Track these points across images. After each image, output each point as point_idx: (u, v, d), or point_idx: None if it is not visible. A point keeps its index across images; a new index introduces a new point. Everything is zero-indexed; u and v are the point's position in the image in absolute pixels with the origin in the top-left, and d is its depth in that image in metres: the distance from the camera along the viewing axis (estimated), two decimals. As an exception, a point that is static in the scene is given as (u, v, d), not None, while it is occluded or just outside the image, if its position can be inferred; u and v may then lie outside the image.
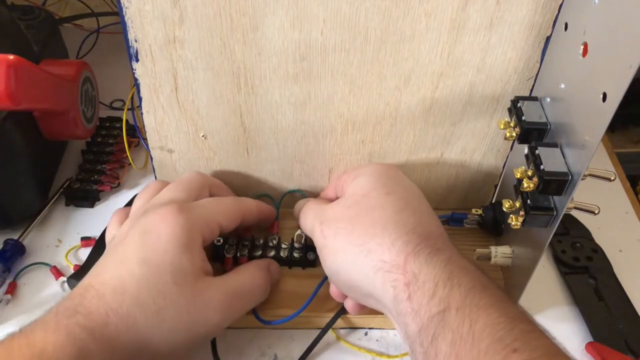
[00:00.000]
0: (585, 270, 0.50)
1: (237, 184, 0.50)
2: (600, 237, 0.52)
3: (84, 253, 0.50)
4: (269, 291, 0.44)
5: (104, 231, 0.49)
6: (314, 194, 0.51)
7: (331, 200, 0.43)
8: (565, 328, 0.46)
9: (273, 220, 0.49)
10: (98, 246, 0.49)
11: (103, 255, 0.39)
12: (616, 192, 0.57)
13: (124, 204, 0.53)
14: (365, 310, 0.42)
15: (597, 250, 0.51)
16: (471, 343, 0.29)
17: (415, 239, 0.35)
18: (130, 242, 0.37)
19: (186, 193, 0.42)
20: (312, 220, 0.42)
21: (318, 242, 0.40)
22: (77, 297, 0.35)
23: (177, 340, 0.36)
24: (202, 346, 0.43)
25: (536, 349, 0.28)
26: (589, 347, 0.44)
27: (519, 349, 0.28)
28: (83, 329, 0.33)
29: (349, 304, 0.43)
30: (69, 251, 0.51)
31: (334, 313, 0.44)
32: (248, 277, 0.41)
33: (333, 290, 0.43)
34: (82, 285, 0.36)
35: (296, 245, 0.47)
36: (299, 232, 0.48)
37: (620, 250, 0.52)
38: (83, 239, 0.51)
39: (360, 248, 0.37)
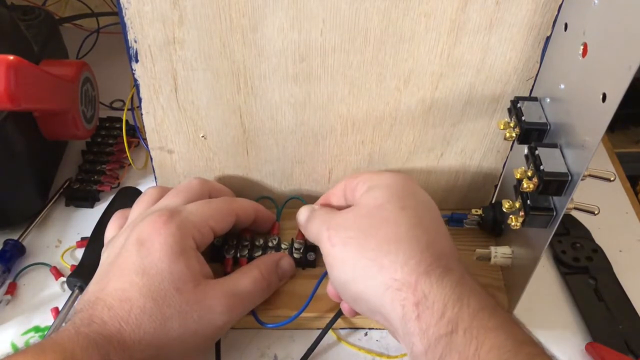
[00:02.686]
0: (585, 270, 0.50)
1: (236, 185, 0.50)
2: (600, 237, 0.52)
3: (81, 253, 0.50)
4: (273, 289, 0.44)
5: (95, 229, 0.50)
6: (314, 195, 0.51)
7: (336, 207, 0.43)
8: (565, 328, 0.46)
9: (272, 224, 0.49)
10: (91, 244, 0.49)
11: (102, 264, 0.40)
12: (616, 192, 0.57)
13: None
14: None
15: (597, 251, 0.51)
16: None
17: (428, 258, 0.35)
18: (126, 253, 0.38)
19: (184, 200, 0.42)
20: (319, 226, 0.41)
21: (325, 249, 0.39)
22: (89, 310, 0.36)
23: (187, 345, 0.37)
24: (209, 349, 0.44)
25: None
26: (589, 347, 0.44)
27: None
28: (102, 337, 0.34)
29: (345, 307, 0.42)
30: (64, 252, 0.51)
31: (333, 313, 0.44)
32: (248, 278, 0.41)
33: (330, 291, 0.43)
34: (89, 298, 0.37)
35: (296, 245, 0.47)
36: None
37: (620, 250, 0.52)
38: (84, 239, 0.51)
39: (373, 263, 0.36)
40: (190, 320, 0.37)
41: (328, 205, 0.44)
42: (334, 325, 0.44)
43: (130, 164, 0.57)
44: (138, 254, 0.37)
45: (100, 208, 0.53)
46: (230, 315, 0.39)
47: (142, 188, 0.54)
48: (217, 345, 0.43)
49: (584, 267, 0.50)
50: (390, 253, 0.35)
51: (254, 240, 0.48)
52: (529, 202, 0.37)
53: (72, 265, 0.49)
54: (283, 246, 0.48)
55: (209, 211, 0.42)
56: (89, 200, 0.55)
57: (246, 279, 0.41)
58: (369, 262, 0.36)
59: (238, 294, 0.40)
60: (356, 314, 0.42)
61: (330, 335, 0.45)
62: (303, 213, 0.44)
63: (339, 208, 0.42)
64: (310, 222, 0.42)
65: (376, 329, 0.46)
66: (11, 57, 0.43)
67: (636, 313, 0.46)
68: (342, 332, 0.46)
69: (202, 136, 0.46)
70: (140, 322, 0.35)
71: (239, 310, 0.40)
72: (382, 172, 0.43)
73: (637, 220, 0.55)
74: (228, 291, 0.39)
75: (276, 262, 0.45)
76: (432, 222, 0.38)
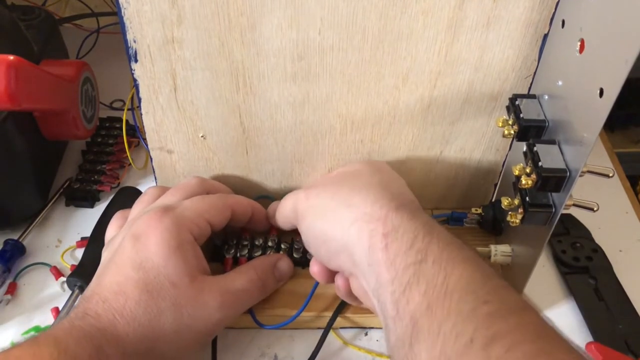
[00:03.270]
0: (585, 270, 0.49)
1: (236, 185, 0.50)
2: (600, 237, 0.52)
3: (81, 253, 0.50)
4: (270, 290, 0.44)
5: (95, 229, 0.50)
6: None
7: None
8: (565, 328, 0.46)
9: (270, 223, 0.49)
10: (91, 244, 0.49)
11: (101, 263, 0.41)
12: (616, 192, 0.57)
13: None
14: (365, 311, 0.43)
15: (597, 250, 0.51)
16: (444, 293, 0.30)
17: (398, 201, 0.36)
18: (123, 249, 0.38)
19: (182, 197, 0.43)
20: (292, 197, 0.43)
21: (300, 206, 0.41)
22: (84, 304, 0.36)
23: (182, 340, 0.37)
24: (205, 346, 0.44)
25: (506, 302, 0.29)
26: (589, 347, 0.44)
27: (489, 301, 0.29)
28: (95, 329, 0.34)
29: (314, 269, 0.42)
30: (64, 252, 0.51)
31: (332, 312, 0.44)
32: (244, 277, 0.42)
33: (314, 269, 0.42)
34: (86, 294, 0.37)
35: (296, 245, 0.47)
36: None
37: (620, 250, 0.52)
38: (84, 239, 0.51)
39: (342, 203, 0.37)
40: (185, 314, 0.37)
41: None
42: (334, 325, 0.44)
43: (130, 164, 0.57)
44: (134, 249, 0.38)
45: (101, 208, 0.53)
46: (225, 313, 0.39)
47: (142, 188, 0.54)
48: (214, 345, 0.43)
49: (584, 266, 0.49)
50: (360, 193, 0.37)
51: (253, 240, 0.48)
52: (527, 198, 0.37)
53: (72, 265, 0.49)
54: (283, 246, 0.48)
55: (205, 205, 0.42)
56: (89, 200, 0.55)
57: (242, 278, 0.41)
58: (339, 203, 0.37)
59: (233, 292, 0.40)
60: (327, 275, 0.42)
61: (330, 335, 0.45)
62: (272, 204, 0.47)
63: None
64: (283, 201, 0.44)
65: (376, 328, 0.46)
66: (11, 57, 0.43)
67: (636, 313, 0.46)
68: (342, 331, 0.46)
69: (202, 136, 0.46)
70: (135, 315, 0.35)
71: (234, 309, 0.40)
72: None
73: (637, 220, 0.55)
74: (223, 288, 0.39)
75: (273, 264, 0.45)
76: (402, 187, 0.41)
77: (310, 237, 0.40)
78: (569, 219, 0.52)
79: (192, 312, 0.37)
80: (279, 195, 0.51)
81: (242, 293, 0.41)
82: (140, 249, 0.38)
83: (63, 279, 0.48)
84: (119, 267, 0.37)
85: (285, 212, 0.44)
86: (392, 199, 0.36)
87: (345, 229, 0.36)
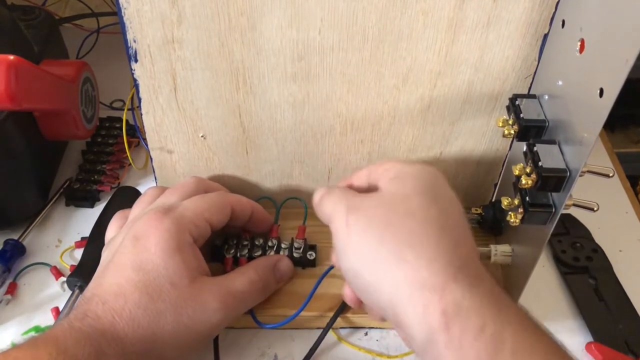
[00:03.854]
0: (585, 270, 0.49)
1: (236, 185, 0.50)
2: (600, 237, 0.52)
3: (81, 253, 0.50)
4: (270, 291, 0.44)
5: (94, 229, 0.50)
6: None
7: (357, 190, 0.38)
8: (565, 328, 0.46)
9: (270, 225, 0.49)
10: (91, 244, 0.49)
11: (100, 263, 0.41)
12: (616, 192, 0.57)
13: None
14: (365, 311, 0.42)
15: (597, 250, 0.51)
16: None
17: (456, 262, 0.31)
18: (123, 250, 0.38)
19: (180, 197, 0.43)
20: (335, 203, 0.36)
21: (338, 231, 0.35)
22: (84, 305, 0.36)
23: (181, 341, 0.37)
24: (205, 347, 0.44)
25: None
26: (589, 347, 0.44)
27: None
28: (95, 330, 0.34)
29: (349, 296, 0.39)
30: (64, 252, 0.51)
31: (333, 312, 0.44)
32: (245, 278, 0.41)
33: (348, 294, 0.39)
34: (85, 295, 0.37)
35: (296, 245, 0.47)
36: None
37: (620, 250, 0.52)
38: (84, 239, 0.51)
39: (392, 254, 0.32)
40: (185, 316, 0.37)
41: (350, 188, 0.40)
42: (334, 325, 0.44)
43: (130, 164, 0.57)
44: (134, 250, 0.38)
45: (101, 208, 0.53)
46: (225, 314, 0.39)
47: (142, 188, 0.54)
48: (216, 345, 0.43)
49: (584, 266, 0.50)
50: (413, 247, 0.32)
51: (253, 240, 0.48)
52: (527, 198, 0.37)
53: (72, 265, 0.49)
54: (283, 246, 0.48)
55: (204, 204, 0.41)
56: (89, 200, 0.55)
57: (242, 279, 0.41)
58: (388, 253, 0.32)
59: (233, 292, 0.40)
60: (361, 304, 0.39)
61: (330, 335, 0.45)
62: (320, 190, 0.39)
63: (360, 192, 0.38)
64: (325, 198, 0.38)
65: (376, 328, 0.46)
66: (11, 57, 0.43)
67: (636, 313, 0.46)
68: (342, 332, 0.46)
69: (202, 136, 0.46)
70: (134, 316, 0.35)
71: (234, 309, 0.40)
72: (412, 162, 0.39)
73: (637, 220, 0.55)
74: (223, 289, 0.39)
75: (273, 264, 0.45)
76: (459, 222, 0.35)
77: (351, 278, 0.35)
78: (569, 219, 0.52)
79: (191, 313, 0.37)
80: (279, 196, 0.51)
81: (243, 294, 0.41)
82: (140, 250, 0.38)
83: (63, 279, 0.48)
84: (118, 268, 0.37)
85: (322, 215, 0.39)
86: (452, 257, 0.31)
87: (395, 290, 0.32)
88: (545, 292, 0.49)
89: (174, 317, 0.36)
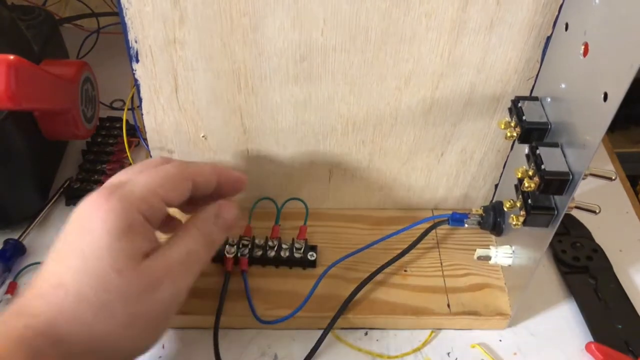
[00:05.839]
0: (585, 270, 0.50)
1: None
2: (601, 237, 0.52)
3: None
4: (218, 242, 0.39)
5: None
6: (315, 195, 0.51)
7: None
8: (565, 328, 0.46)
9: (241, 184, 0.42)
10: None
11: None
12: (616, 192, 0.57)
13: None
14: (365, 311, 0.43)
15: (597, 250, 0.51)
16: None
17: None
18: (66, 235, 0.34)
19: (136, 173, 0.37)
20: None
21: None
22: (22, 299, 0.33)
23: (135, 332, 0.34)
24: (203, 345, 0.44)
25: None
26: (589, 347, 0.44)
27: None
28: (32, 331, 0.31)
29: None
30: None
31: (333, 313, 0.44)
32: (188, 239, 0.37)
33: None
34: (28, 284, 0.34)
35: (297, 245, 0.48)
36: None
37: (620, 250, 0.52)
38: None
39: None
40: (135, 303, 0.33)
41: None
42: (334, 325, 0.44)
43: (130, 164, 0.57)
44: (76, 235, 0.34)
45: (101, 208, 0.53)
46: (177, 286, 0.35)
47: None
48: (216, 345, 0.43)
49: (584, 266, 0.50)
50: None
51: (254, 240, 0.48)
52: (530, 201, 0.37)
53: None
54: (284, 246, 0.48)
55: (157, 179, 0.36)
56: (89, 200, 0.55)
57: (185, 241, 0.37)
58: None
59: (180, 259, 0.36)
60: None
61: (330, 335, 0.45)
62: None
63: None
64: None
65: (376, 328, 0.46)
66: (11, 57, 0.43)
67: (636, 313, 0.46)
68: (342, 331, 0.46)
69: (203, 136, 0.46)
70: (77, 311, 0.32)
71: (185, 277, 0.36)
72: None
73: (637, 220, 0.55)
74: (169, 259, 0.35)
75: (214, 214, 0.39)
76: None
77: None
78: (569, 219, 0.53)
79: (142, 298, 0.33)
80: (280, 197, 0.51)
81: (189, 256, 0.36)
82: (82, 233, 0.33)
83: (64, 279, 0.48)
84: (59, 255, 0.34)
85: None
86: None
87: None
88: (545, 291, 0.49)
89: (124, 307, 0.33)
